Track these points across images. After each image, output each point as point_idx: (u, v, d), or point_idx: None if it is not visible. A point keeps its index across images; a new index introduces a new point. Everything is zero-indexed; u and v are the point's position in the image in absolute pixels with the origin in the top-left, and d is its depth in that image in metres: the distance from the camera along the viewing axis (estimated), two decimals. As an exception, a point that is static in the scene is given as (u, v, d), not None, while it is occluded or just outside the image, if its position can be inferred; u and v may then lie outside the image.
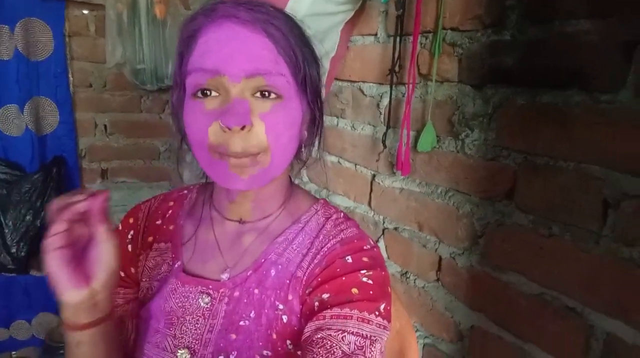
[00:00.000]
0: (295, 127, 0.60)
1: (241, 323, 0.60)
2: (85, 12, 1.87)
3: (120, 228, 0.72)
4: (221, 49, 0.55)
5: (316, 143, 0.68)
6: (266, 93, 0.56)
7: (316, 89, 0.63)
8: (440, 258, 1.02)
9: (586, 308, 0.73)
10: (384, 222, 1.19)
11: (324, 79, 0.86)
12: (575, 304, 0.74)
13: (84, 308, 0.53)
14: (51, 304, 1.99)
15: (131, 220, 0.72)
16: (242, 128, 0.54)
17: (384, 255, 1.20)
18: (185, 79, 0.58)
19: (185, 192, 0.75)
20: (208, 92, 0.56)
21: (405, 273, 1.13)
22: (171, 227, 0.70)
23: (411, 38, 1.00)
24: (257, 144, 0.56)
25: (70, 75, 1.90)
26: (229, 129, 0.54)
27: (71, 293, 0.51)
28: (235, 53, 0.54)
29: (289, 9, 0.85)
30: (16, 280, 1.90)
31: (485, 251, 0.91)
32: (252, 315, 0.60)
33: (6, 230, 1.74)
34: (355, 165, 1.29)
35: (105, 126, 2.04)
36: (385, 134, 1.11)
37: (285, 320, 0.60)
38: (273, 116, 0.56)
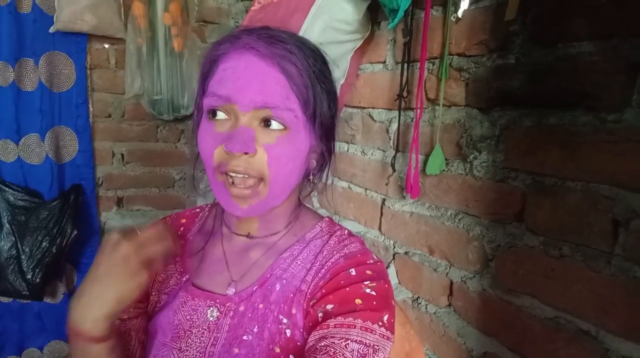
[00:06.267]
0: (299, 158, 0.62)
1: (244, 337, 0.60)
2: (106, 45, 1.95)
3: None
4: (236, 79, 0.57)
5: (325, 171, 0.70)
6: (270, 122, 0.58)
7: (327, 122, 0.64)
8: (451, 283, 1.01)
9: (601, 331, 0.71)
10: (394, 247, 1.19)
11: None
12: (590, 327, 0.72)
13: (111, 320, 0.55)
14: (63, 332, 1.99)
15: None
16: (245, 153, 0.57)
17: (395, 280, 1.19)
18: (203, 99, 0.62)
19: (198, 210, 0.78)
20: (219, 114, 0.59)
21: (417, 299, 1.12)
22: (181, 242, 0.71)
23: (419, 64, 1.03)
24: (258, 169, 0.58)
25: (90, 106, 1.96)
26: (232, 153, 0.57)
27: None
28: (249, 85, 0.57)
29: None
30: (30, 306, 1.91)
31: (496, 274, 0.90)
32: (255, 329, 0.61)
33: (22, 256, 1.76)
34: (366, 190, 1.29)
35: (122, 155, 2.08)
36: (394, 158, 1.12)
37: (288, 335, 0.60)
38: (277, 148, 0.58)
